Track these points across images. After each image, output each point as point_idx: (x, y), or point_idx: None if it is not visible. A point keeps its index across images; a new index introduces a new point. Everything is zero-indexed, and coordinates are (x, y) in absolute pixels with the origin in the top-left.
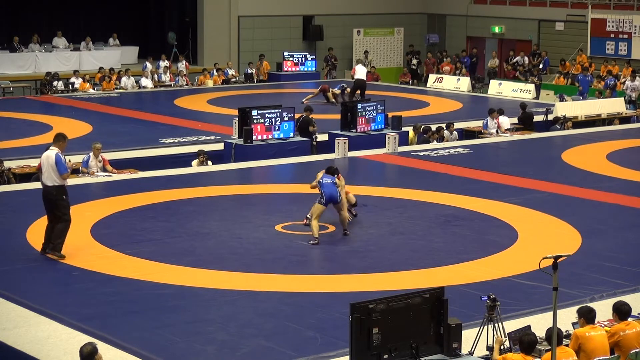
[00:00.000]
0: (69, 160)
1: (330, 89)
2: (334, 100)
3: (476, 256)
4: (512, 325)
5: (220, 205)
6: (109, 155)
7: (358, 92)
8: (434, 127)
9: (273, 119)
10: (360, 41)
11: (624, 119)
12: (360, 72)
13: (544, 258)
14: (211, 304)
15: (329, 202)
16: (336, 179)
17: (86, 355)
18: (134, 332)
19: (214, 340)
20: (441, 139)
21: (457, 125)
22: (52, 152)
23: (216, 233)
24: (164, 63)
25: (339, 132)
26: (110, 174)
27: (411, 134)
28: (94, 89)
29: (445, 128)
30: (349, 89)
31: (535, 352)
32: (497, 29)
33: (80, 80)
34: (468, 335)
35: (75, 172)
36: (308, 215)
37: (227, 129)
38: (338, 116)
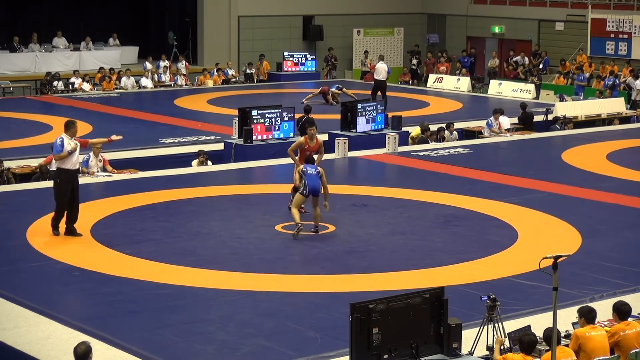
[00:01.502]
0: (76, 143)
1: (329, 91)
2: (332, 101)
3: (476, 256)
4: (512, 325)
5: (220, 205)
6: (109, 155)
7: (379, 93)
8: (433, 127)
9: (273, 119)
10: (360, 41)
11: (624, 119)
12: (381, 71)
13: (544, 258)
14: (211, 304)
15: (310, 194)
16: (319, 168)
17: (81, 354)
18: (134, 332)
19: (214, 340)
20: (441, 139)
21: (457, 125)
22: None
23: (216, 233)
24: (164, 63)
25: (339, 132)
26: (110, 174)
27: (417, 131)
28: (93, 88)
29: (445, 128)
30: (345, 89)
31: (535, 352)
32: (497, 29)
33: (80, 80)
34: (468, 335)
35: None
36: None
37: (227, 129)
38: (338, 116)
